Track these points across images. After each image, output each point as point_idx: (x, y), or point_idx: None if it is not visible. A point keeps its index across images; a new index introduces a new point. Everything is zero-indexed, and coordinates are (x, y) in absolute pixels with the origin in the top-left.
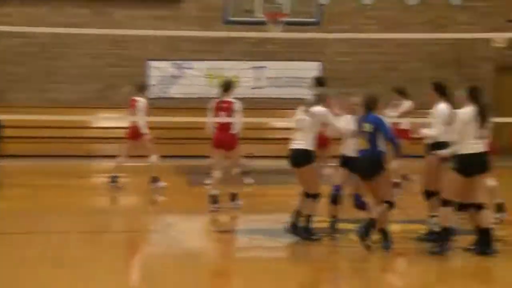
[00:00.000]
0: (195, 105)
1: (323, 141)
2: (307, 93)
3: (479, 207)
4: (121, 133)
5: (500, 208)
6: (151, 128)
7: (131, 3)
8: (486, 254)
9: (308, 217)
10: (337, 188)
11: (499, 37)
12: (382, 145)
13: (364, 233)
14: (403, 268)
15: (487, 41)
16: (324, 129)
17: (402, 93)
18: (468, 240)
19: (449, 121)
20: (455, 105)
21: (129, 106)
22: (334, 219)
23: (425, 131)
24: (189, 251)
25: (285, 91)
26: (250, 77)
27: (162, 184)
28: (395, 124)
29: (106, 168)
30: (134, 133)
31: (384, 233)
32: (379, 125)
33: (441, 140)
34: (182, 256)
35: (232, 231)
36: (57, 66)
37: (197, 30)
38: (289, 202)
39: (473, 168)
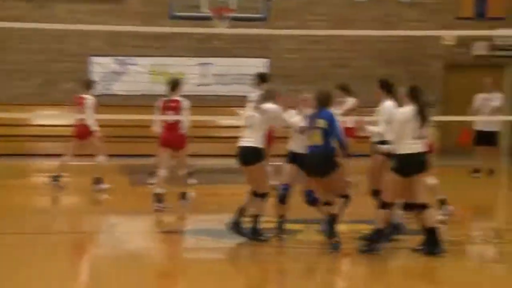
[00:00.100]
0: (139, 102)
1: (267, 139)
2: (251, 90)
3: (422, 207)
4: (62, 131)
5: (443, 203)
6: None
7: None
8: (434, 254)
9: (256, 217)
10: (285, 187)
11: (448, 35)
12: (333, 142)
13: (330, 232)
14: (350, 269)
15: (436, 38)
16: (273, 126)
17: (346, 90)
18: (416, 240)
19: (390, 119)
20: (401, 102)
21: (77, 104)
22: (282, 219)
23: (371, 128)
24: (133, 252)
25: (231, 88)
26: (196, 74)
27: (105, 186)
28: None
29: (47, 167)
30: (83, 132)
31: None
32: (333, 124)
33: (387, 138)
34: (126, 257)
35: (177, 231)
36: None
37: (141, 25)
38: (237, 201)
39: (410, 168)
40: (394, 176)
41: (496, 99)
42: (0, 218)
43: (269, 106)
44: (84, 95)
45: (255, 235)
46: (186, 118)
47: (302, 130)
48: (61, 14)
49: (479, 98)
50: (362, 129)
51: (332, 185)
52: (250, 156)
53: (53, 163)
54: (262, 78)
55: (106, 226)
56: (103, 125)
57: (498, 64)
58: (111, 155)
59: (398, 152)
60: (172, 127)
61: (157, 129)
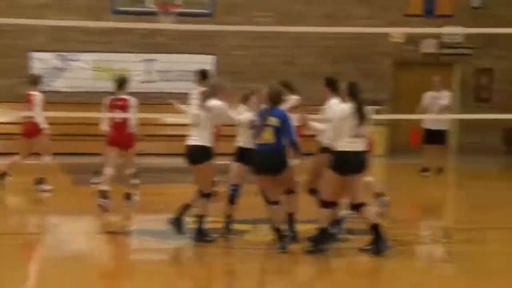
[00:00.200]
0: (81, 99)
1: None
2: (193, 87)
3: (360, 205)
4: (2, 128)
5: (379, 196)
6: None
7: None
8: (381, 251)
9: (200, 218)
10: (235, 188)
11: (396, 32)
12: (285, 140)
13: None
14: (297, 269)
15: (385, 35)
16: (219, 124)
17: (289, 88)
18: (364, 240)
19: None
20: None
21: (25, 101)
22: (229, 220)
23: (315, 124)
24: (77, 253)
25: (177, 85)
26: (140, 71)
27: (47, 187)
28: None
29: None
30: (31, 130)
31: (280, 233)
32: (285, 121)
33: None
34: (70, 258)
35: (122, 232)
36: None
37: (84, 20)
38: (183, 201)
39: (347, 166)
40: (331, 174)
41: (444, 97)
42: None
43: (214, 103)
44: (31, 92)
45: (201, 235)
46: (133, 117)
47: (252, 126)
48: (1, 8)
49: (428, 97)
50: (306, 126)
51: (281, 184)
52: (197, 155)
53: None
54: (203, 75)
55: (49, 226)
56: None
57: (447, 62)
58: (53, 154)
59: (335, 150)
60: (119, 125)
61: (105, 127)
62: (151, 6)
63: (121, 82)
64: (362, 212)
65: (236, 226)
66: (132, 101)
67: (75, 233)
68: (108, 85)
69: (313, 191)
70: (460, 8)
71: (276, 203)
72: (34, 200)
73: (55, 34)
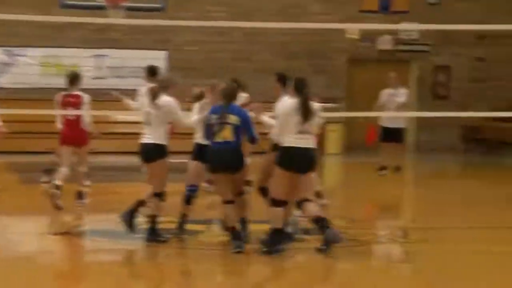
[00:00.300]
0: (28, 96)
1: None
2: (142, 84)
3: (303, 201)
4: None
5: (318, 195)
6: None
7: None
8: (329, 243)
9: (153, 218)
10: (194, 189)
11: (351, 28)
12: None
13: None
14: (252, 270)
15: (340, 32)
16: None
17: (238, 85)
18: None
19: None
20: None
21: None
22: (183, 220)
23: (266, 119)
24: (26, 254)
25: (128, 81)
26: (91, 66)
27: None
28: None
29: None
30: None
31: (235, 232)
32: (245, 119)
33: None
34: (20, 259)
35: (74, 232)
36: None
37: (32, 14)
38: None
39: (293, 163)
40: (279, 171)
41: (401, 94)
42: None
43: (164, 100)
44: None
45: (154, 236)
46: (87, 114)
47: (209, 125)
48: None
49: (385, 94)
50: (258, 118)
51: (238, 183)
52: (150, 153)
53: None
54: (152, 71)
55: None
56: None
57: (403, 59)
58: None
59: (282, 146)
60: (72, 123)
61: (59, 125)
62: (101, 0)
63: (74, 78)
64: (303, 208)
65: (189, 227)
66: (86, 97)
67: (25, 234)
68: (57, 81)
69: (263, 190)
70: (416, 4)
71: (231, 202)
72: None
73: (1, 28)
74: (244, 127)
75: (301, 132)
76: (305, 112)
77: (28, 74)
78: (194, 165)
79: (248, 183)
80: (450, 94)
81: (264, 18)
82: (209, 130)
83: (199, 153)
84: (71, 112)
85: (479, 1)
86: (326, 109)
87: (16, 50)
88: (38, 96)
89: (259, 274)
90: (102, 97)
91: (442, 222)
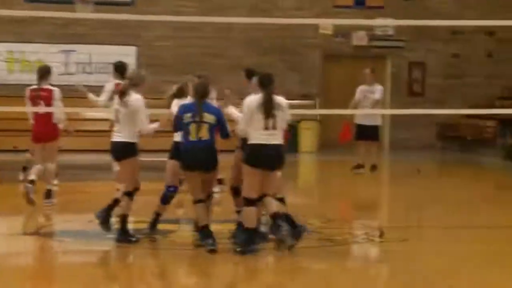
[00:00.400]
0: None
1: None
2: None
3: (263, 196)
4: None
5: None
6: None
7: None
8: (297, 235)
9: (123, 217)
10: (174, 189)
11: (325, 23)
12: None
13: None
14: (225, 270)
15: (314, 27)
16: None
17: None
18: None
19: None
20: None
21: None
22: (156, 219)
23: (232, 111)
24: None
25: (97, 78)
26: (58, 62)
27: None
28: None
29: None
30: None
31: (207, 231)
32: (220, 118)
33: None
34: None
35: (42, 232)
36: None
37: None
38: (105, 200)
39: (259, 160)
40: (247, 169)
41: (377, 91)
42: None
43: (132, 99)
44: None
45: (125, 236)
46: (60, 109)
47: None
48: None
49: (360, 91)
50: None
51: (210, 182)
52: (120, 151)
53: None
54: (120, 68)
55: None
56: None
57: (378, 55)
58: None
59: (248, 143)
60: (43, 118)
61: (31, 121)
62: None
63: (44, 72)
64: (263, 202)
65: (160, 226)
66: (57, 91)
67: None
68: (23, 77)
69: (236, 190)
70: None
71: (202, 201)
72: None
73: None
74: (219, 125)
75: (267, 128)
76: (268, 108)
77: None
78: (171, 164)
79: (219, 181)
80: (425, 90)
81: (236, 13)
82: (183, 128)
83: (177, 152)
84: (41, 109)
85: None
86: (300, 106)
87: None
88: (4, 92)
89: (232, 274)
90: (70, 94)
91: (420, 221)
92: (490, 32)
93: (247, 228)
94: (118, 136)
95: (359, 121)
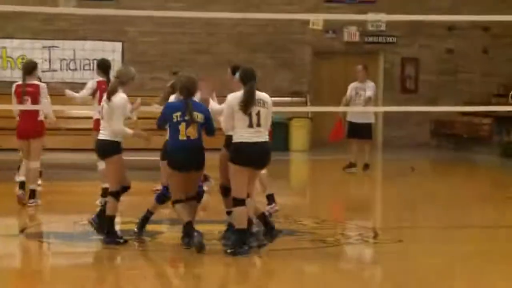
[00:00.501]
0: None
1: None
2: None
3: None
4: None
5: (270, 199)
6: None
7: None
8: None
9: (110, 219)
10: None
11: (316, 19)
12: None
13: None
14: (216, 272)
15: (305, 23)
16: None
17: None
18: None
19: None
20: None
21: None
22: (147, 217)
23: (214, 104)
24: None
25: (81, 74)
26: (40, 58)
27: None
28: None
29: None
30: None
31: (187, 228)
32: (208, 116)
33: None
34: None
35: (26, 234)
36: None
37: None
38: (91, 201)
39: (244, 158)
40: (234, 168)
41: (369, 88)
42: None
43: (117, 98)
44: None
45: (112, 237)
46: (47, 104)
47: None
48: None
49: (352, 88)
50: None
51: (197, 181)
52: (104, 150)
53: None
54: (103, 65)
55: None
56: None
57: (371, 51)
58: None
59: (233, 141)
60: (29, 115)
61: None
62: None
63: (30, 68)
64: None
65: (149, 227)
66: (43, 86)
67: None
68: (5, 74)
69: (226, 190)
70: None
71: (181, 201)
72: None
73: None
74: (206, 123)
75: (251, 126)
76: (247, 105)
77: None
78: (165, 165)
79: (205, 177)
80: (419, 87)
81: (224, 8)
82: (171, 127)
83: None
84: (28, 106)
85: None
86: (291, 104)
87: None
88: None
89: (223, 276)
90: (54, 92)
91: (414, 221)
92: (485, 27)
93: (238, 229)
94: (102, 134)
95: (351, 118)
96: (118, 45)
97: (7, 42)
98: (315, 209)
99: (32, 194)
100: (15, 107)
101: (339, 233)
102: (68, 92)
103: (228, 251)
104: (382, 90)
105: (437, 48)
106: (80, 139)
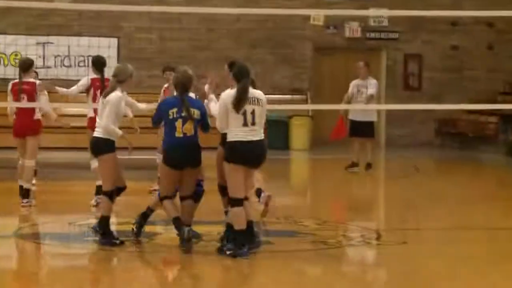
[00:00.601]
0: None
1: None
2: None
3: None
4: None
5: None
6: None
7: None
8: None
9: (105, 219)
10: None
11: (317, 14)
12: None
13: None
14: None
15: (305, 18)
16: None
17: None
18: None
19: None
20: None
21: None
22: (147, 216)
23: (212, 105)
24: None
25: (76, 71)
26: (34, 55)
27: None
28: None
29: None
30: None
31: (175, 222)
32: (204, 113)
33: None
34: None
35: (20, 235)
36: None
37: None
38: (85, 200)
39: (239, 158)
40: (229, 167)
41: (371, 85)
42: None
43: (111, 96)
44: None
45: (108, 238)
46: (43, 102)
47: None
48: None
49: (353, 85)
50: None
51: (193, 178)
52: (98, 147)
53: None
54: (96, 63)
55: None
56: None
57: (373, 47)
58: None
59: (228, 140)
60: (25, 112)
61: (14, 116)
62: None
63: (26, 66)
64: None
65: (146, 228)
66: (40, 84)
67: None
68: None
69: (224, 190)
70: None
71: (169, 198)
72: None
73: None
74: (202, 119)
75: (246, 124)
76: (240, 102)
77: None
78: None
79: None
80: (422, 84)
81: (223, 3)
82: (167, 124)
83: None
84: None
85: None
86: (291, 101)
87: None
88: None
89: (223, 278)
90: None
91: (418, 222)
92: (489, 23)
93: (237, 230)
94: (97, 132)
95: (353, 116)
96: (114, 41)
97: (0, 38)
98: (316, 210)
99: (27, 193)
100: (10, 105)
101: (341, 234)
102: (59, 89)
103: (228, 252)
104: (384, 87)
105: (440, 44)
106: (75, 137)
